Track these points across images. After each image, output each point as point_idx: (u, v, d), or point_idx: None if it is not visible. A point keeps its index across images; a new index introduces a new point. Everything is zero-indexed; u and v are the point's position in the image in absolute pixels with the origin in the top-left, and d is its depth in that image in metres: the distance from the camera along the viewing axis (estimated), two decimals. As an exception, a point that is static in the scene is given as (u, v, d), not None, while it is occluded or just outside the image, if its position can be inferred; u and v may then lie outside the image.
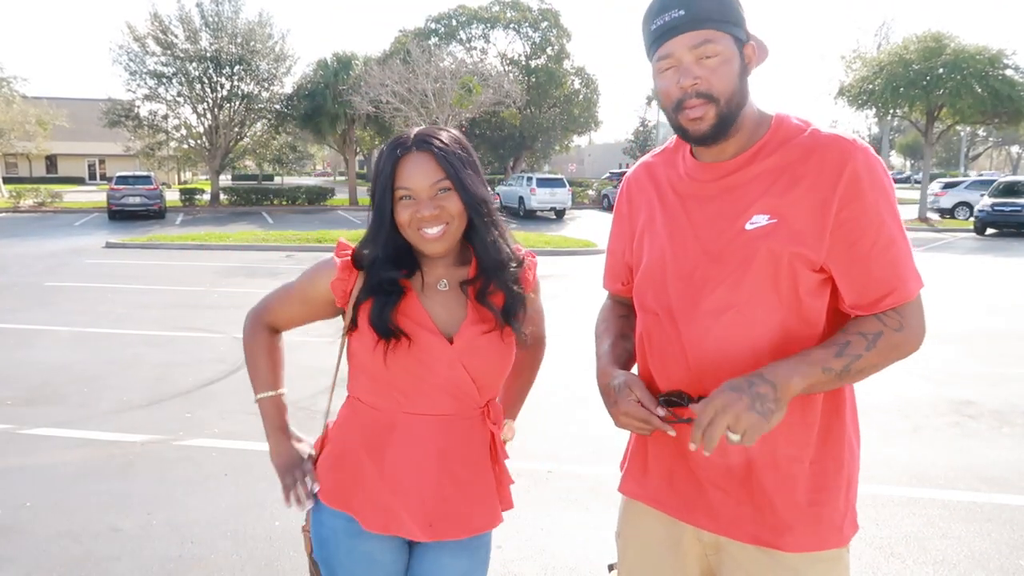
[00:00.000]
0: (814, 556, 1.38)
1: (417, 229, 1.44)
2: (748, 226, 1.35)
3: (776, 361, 1.30)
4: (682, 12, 1.31)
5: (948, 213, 25.53)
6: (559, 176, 28.49)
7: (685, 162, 1.49)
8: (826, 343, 1.32)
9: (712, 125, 1.34)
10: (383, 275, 1.47)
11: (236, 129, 30.64)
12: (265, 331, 1.66)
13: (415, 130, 1.47)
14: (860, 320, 1.33)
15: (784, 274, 1.32)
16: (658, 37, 1.35)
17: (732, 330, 1.36)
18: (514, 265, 1.53)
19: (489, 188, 1.53)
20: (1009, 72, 21.12)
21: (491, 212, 1.49)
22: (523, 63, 36.82)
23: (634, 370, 1.53)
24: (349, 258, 1.53)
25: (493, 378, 1.53)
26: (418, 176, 1.42)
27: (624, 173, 1.80)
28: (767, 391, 1.24)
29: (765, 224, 1.33)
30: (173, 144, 31.43)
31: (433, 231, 1.43)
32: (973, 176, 36.36)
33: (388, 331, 1.44)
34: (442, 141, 1.44)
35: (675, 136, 1.49)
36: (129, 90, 29.48)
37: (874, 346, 1.29)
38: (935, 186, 27.87)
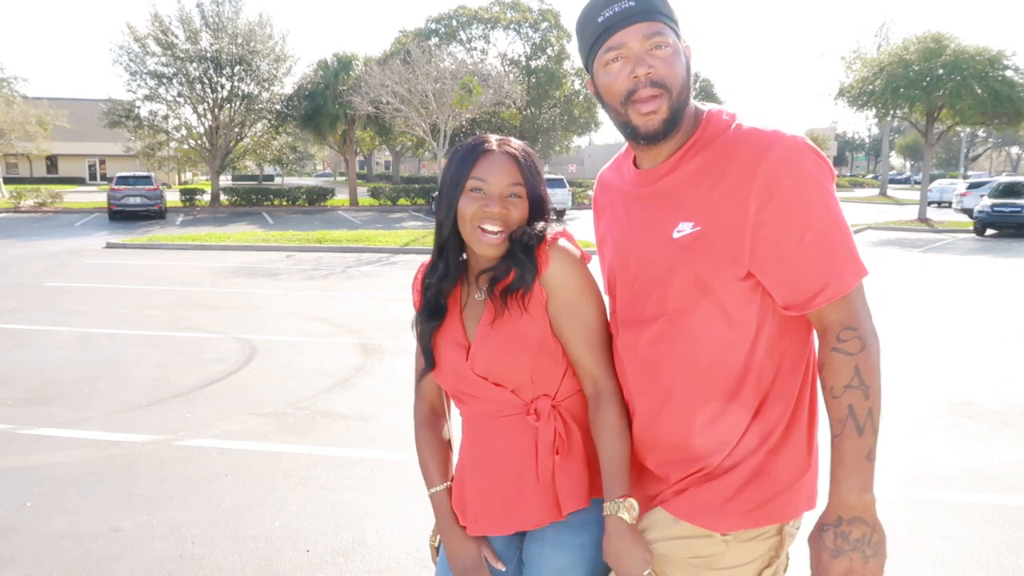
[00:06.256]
0: (687, 530, 1.34)
1: (478, 226, 1.44)
2: (675, 234, 1.32)
3: (831, 490, 1.26)
4: (632, 3, 1.29)
5: (971, 213, 25.62)
6: (559, 176, 28.47)
7: (629, 170, 1.47)
8: (836, 427, 1.25)
9: (665, 120, 1.30)
10: (431, 295, 1.54)
11: (236, 129, 30.69)
12: (425, 425, 1.64)
13: (493, 136, 1.51)
14: (828, 369, 1.26)
15: (709, 284, 1.29)
16: (608, 28, 1.30)
17: (662, 341, 1.35)
18: (532, 241, 1.45)
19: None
20: (1009, 73, 21.10)
21: (546, 211, 1.52)
22: (523, 63, 36.88)
23: None
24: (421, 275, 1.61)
25: (511, 370, 1.46)
26: (496, 173, 1.45)
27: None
28: (862, 531, 1.24)
29: (689, 232, 1.30)
30: (173, 144, 31.46)
31: (494, 231, 1.44)
32: (998, 177, 36.66)
33: (429, 355, 1.55)
34: (523, 149, 1.50)
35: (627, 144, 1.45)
36: (129, 90, 29.57)
37: (866, 387, 1.24)
38: (960, 186, 27.91)
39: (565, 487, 1.48)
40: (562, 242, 1.48)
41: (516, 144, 1.50)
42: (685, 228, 1.31)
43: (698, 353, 1.33)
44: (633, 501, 1.41)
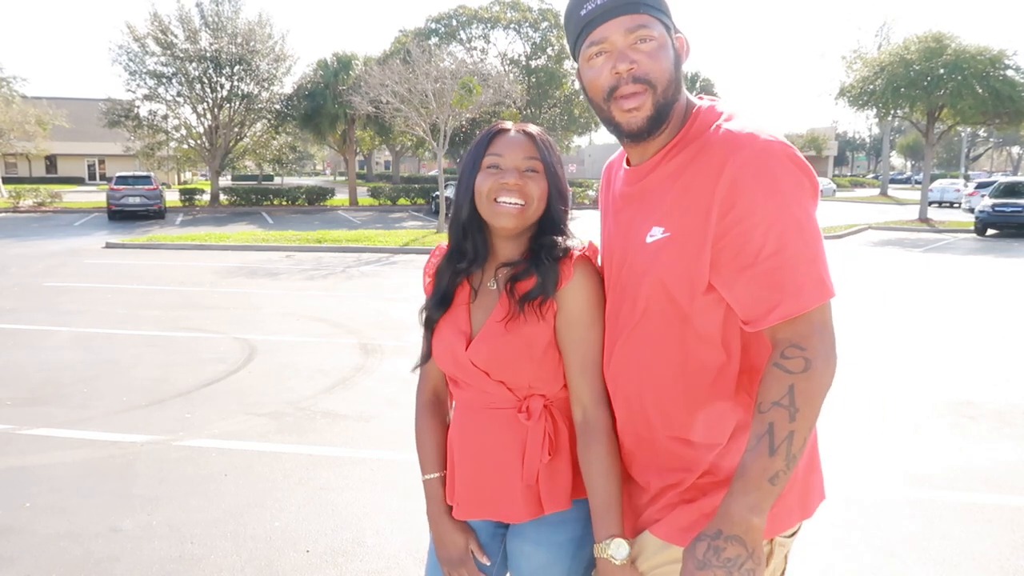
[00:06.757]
0: (678, 554, 1.31)
1: (495, 199, 1.43)
2: (648, 238, 1.28)
3: (723, 501, 1.19)
4: None
5: None
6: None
7: (622, 168, 1.45)
8: (750, 441, 1.17)
9: (648, 117, 1.25)
10: (446, 280, 1.54)
11: (236, 129, 30.68)
12: (427, 409, 1.65)
13: (509, 122, 1.54)
14: (763, 383, 1.18)
15: (673, 294, 1.26)
16: (590, 21, 1.26)
17: (631, 345, 1.34)
18: (559, 252, 1.46)
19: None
20: (1010, 73, 21.09)
21: (567, 210, 1.52)
22: (523, 63, 36.83)
23: None
24: (437, 257, 1.60)
25: (513, 371, 1.46)
26: (512, 149, 1.46)
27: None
28: (737, 551, 1.15)
29: (660, 238, 1.25)
30: (173, 144, 31.45)
31: (510, 202, 1.43)
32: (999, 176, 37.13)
33: (429, 342, 1.57)
34: (540, 131, 1.52)
35: None
36: (129, 90, 29.57)
37: (795, 409, 1.14)
38: (967, 186, 28.18)
39: (548, 488, 1.49)
40: (587, 258, 1.49)
41: (533, 127, 1.51)
42: (656, 233, 1.27)
43: (666, 362, 1.30)
44: (621, 541, 1.35)
